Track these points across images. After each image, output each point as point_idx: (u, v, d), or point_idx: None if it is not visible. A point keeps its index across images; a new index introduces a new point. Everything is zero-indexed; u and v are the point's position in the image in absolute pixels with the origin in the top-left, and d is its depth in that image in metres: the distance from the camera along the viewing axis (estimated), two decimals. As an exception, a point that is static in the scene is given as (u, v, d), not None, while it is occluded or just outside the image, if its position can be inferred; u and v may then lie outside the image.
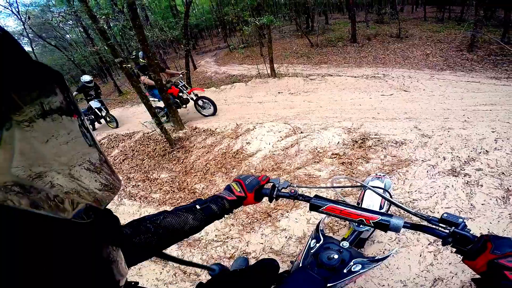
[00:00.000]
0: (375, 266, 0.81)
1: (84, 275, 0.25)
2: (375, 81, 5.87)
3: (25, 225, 0.19)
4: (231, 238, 1.98)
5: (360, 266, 0.76)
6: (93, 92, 6.52)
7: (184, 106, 5.31)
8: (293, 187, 0.82)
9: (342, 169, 2.23)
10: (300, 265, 0.82)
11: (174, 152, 3.39)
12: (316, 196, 0.77)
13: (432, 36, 9.45)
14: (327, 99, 5.06)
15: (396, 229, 0.65)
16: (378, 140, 2.39)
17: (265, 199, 0.86)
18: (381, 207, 1.17)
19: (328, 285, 0.73)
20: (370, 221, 0.67)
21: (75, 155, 0.27)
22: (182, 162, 3.22)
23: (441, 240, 0.60)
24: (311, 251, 0.85)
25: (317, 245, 0.86)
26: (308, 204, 0.76)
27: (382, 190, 1.18)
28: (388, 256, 0.81)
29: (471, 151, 2.06)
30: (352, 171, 2.19)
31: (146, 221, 0.62)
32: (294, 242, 1.81)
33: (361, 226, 1.04)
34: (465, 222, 0.58)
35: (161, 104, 5.24)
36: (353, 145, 2.44)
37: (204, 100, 5.13)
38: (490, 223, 1.57)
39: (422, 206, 1.78)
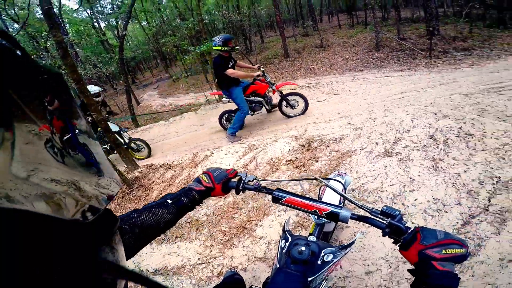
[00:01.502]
0: (346, 253, 0.85)
1: (84, 275, 0.25)
2: (309, 90, 6.48)
3: (25, 225, 0.19)
4: (214, 258, 1.96)
5: (331, 256, 0.80)
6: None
7: (269, 107, 4.31)
8: (258, 180, 0.87)
9: (298, 172, 2.45)
10: (278, 266, 0.84)
11: (134, 192, 3.25)
12: (278, 189, 0.81)
13: (347, 41, 10.85)
14: (272, 114, 5.39)
15: (345, 220, 0.70)
16: (321, 141, 2.68)
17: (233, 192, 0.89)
18: (340, 202, 1.22)
19: (309, 279, 0.75)
20: (323, 212, 0.73)
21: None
22: (145, 199, 3.09)
23: (381, 231, 0.65)
24: (283, 251, 0.88)
25: (287, 244, 0.89)
26: (271, 197, 0.82)
27: (340, 184, 1.25)
28: (354, 242, 0.86)
29: (396, 133, 2.31)
30: (306, 171, 2.43)
31: (120, 221, 0.59)
32: (274, 246, 1.86)
33: (320, 218, 1.13)
34: (401, 214, 0.63)
35: (231, 106, 4.44)
36: (302, 149, 2.68)
37: (292, 96, 4.23)
38: (431, 190, 1.73)
39: (371, 187, 1.94)
